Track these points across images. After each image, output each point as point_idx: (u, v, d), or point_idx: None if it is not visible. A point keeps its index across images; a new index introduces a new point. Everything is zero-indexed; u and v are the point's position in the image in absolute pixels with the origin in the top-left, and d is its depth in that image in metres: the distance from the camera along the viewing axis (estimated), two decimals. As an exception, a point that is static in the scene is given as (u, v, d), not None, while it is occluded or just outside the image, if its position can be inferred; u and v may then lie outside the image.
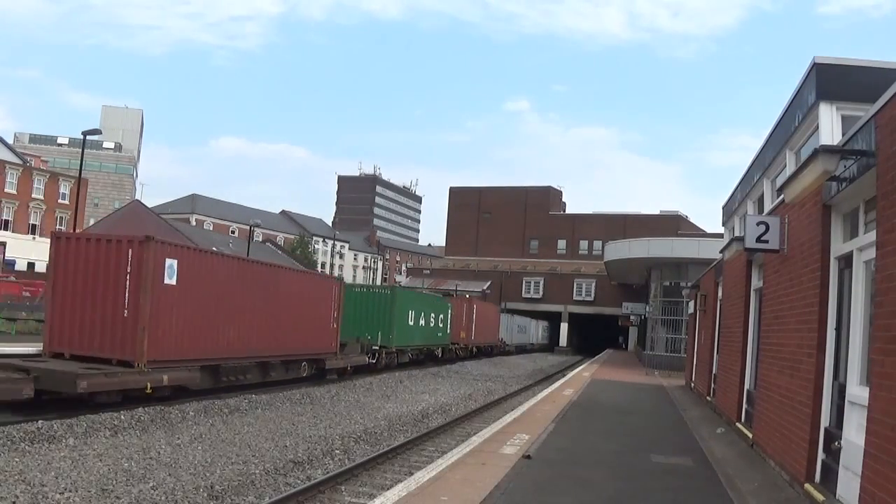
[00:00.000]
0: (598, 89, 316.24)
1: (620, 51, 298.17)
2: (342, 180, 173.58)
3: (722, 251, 14.25)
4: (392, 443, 12.36)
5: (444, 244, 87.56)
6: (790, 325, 8.59)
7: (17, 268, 54.33)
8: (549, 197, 79.94)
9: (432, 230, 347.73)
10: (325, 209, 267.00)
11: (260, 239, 79.42)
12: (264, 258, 27.77)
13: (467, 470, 8.05)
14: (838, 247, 7.25)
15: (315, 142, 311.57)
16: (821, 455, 7.10)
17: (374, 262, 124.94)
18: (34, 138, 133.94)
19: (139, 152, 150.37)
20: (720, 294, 16.65)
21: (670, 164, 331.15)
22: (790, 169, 9.37)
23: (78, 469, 8.46)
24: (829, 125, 8.23)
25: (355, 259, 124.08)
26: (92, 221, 68.95)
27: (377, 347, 25.85)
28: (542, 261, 73.19)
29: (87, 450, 9.55)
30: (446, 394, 21.26)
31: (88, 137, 27.06)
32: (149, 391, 13.26)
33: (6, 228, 60.43)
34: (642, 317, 44.29)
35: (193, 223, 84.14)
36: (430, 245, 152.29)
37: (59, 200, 64.83)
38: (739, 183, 14.73)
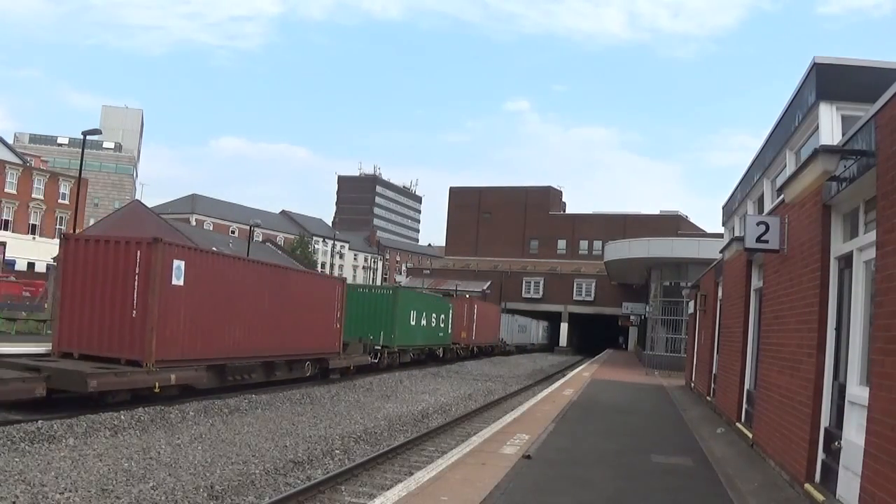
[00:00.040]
0: (598, 89, 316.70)
1: (620, 51, 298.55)
2: (342, 180, 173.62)
3: (722, 251, 14.25)
4: (392, 443, 12.35)
5: (444, 244, 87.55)
6: (790, 325, 8.59)
7: (17, 268, 54.35)
8: (549, 197, 79.93)
9: (432, 230, 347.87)
10: (325, 209, 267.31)
11: (260, 239, 79.38)
12: (264, 258, 27.82)
13: (467, 470, 8.05)
14: (838, 247, 7.25)
15: (315, 142, 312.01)
16: (821, 455, 7.10)
17: (374, 262, 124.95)
18: (34, 138, 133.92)
19: (139, 152, 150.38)
20: (720, 294, 16.65)
21: (670, 164, 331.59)
22: (790, 169, 9.37)
23: (78, 469, 8.47)
24: (829, 125, 8.23)
25: (355, 259, 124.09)
26: (92, 221, 68.85)
27: (379, 347, 25.97)
28: (542, 261, 73.18)
29: (87, 450, 9.55)
30: (446, 394, 21.26)
31: (88, 137, 27.07)
32: (157, 390, 13.48)
33: (6, 228, 60.46)
34: (642, 317, 44.28)
35: (193, 223, 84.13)
36: (430, 245, 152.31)
37: (59, 200, 64.87)
38: (739, 183, 14.73)
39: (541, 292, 67.67)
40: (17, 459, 8.64)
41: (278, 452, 10.61)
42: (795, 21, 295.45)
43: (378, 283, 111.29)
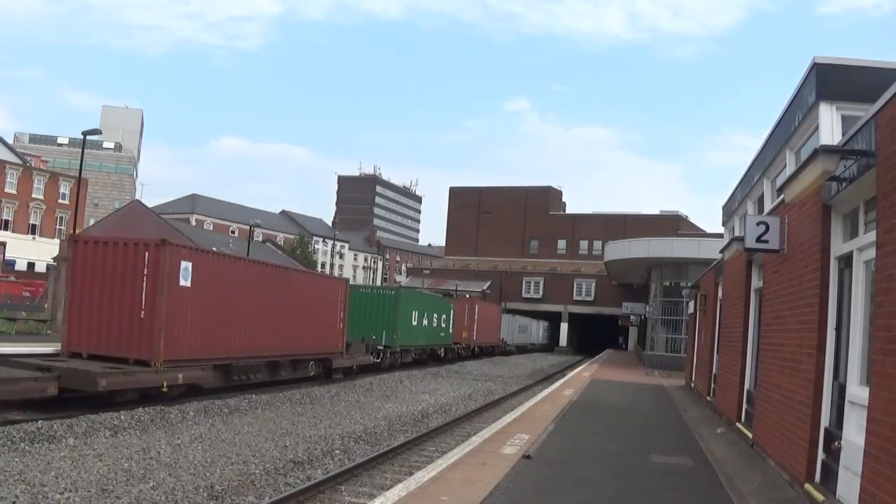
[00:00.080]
0: (598, 89, 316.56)
1: (620, 51, 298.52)
2: (342, 180, 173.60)
3: (722, 251, 14.25)
4: (392, 443, 12.36)
5: (444, 244, 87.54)
6: (790, 325, 8.59)
7: (17, 268, 54.37)
8: (549, 197, 79.92)
9: (432, 230, 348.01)
10: (325, 209, 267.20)
11: (260, 239, 79.36)
12: (264, 258, 27.88)
13: (467, 470, 8.05)
14: (838, 247, 7.25)
15: (315, 142, 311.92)
16: (821, 455, 7.10)
17: (374, 262, 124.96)
18: (34, 138, 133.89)
19: (139, 152, 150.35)
20: (720, 294, 16.65)
21: (670, 164, 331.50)
22: (790, 169, 9.37)
23: (78, 469, 8.47)
24: (829, 125, 8.23)
25: (355, 259, 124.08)
26: (92, 221, 68.84)
27: (382, 347, 26.08)
28: (542, 261, 73.17)
29: (87, 450, 9.55)
30: (446, 394, 21.26)
31: (88, 137, 27.07)
32: (165, 390, 13.65)
33: (6, 228, 60.44)
34: (642, 317, 44.26)
35: (193, 223, 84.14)
36: (430, 245, 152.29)
37: (59, 200, 64.86)
38: (739, 183, 14.73)
39: (541, 292, 67.68)
40: (17, 459, 8.64)
41: (278, 452, 10.61)
42: (795, 21, 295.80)
43: (378, 283, 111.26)
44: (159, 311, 13.62)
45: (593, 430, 12.05)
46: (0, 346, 14.91)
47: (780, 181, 9.67)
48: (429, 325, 31.86)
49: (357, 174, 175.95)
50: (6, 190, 60.96)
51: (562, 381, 24.12)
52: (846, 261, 6.97)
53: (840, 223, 7.30)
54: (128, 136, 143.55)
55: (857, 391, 6.23)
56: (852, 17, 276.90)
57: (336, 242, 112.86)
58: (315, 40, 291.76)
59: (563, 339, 66.97)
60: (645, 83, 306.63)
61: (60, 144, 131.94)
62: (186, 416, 12.86)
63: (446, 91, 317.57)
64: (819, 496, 6.71)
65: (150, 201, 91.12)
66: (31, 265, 58.05)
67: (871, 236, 5.96)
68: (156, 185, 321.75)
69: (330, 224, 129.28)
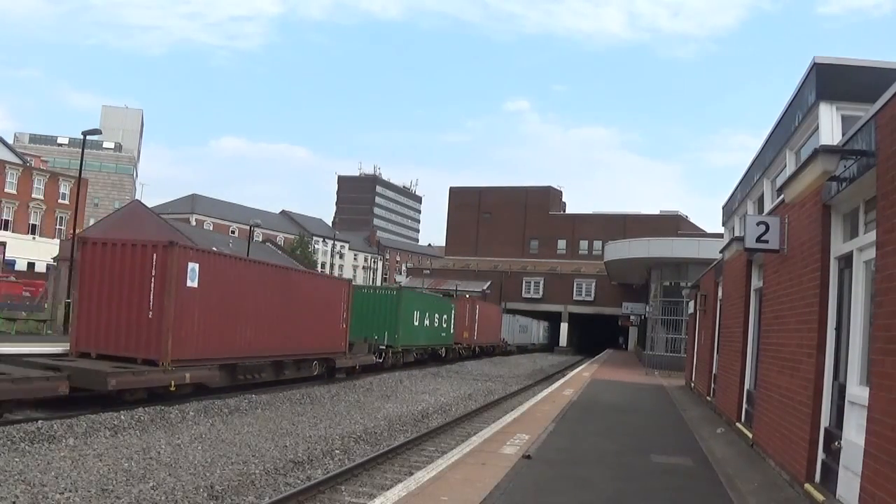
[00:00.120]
0: (598, 89, 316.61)
1: (620, 51, 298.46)
2: (342, 180, 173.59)
3: (722, 251, 14.25)
4: (392, 443, 12.36)
5: (444, 244, 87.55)
6: (790, 325, 8.59)
7: (17, 268, 54.40)
8: (549, 197, 79.93)
9: (432, 230, 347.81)
10: (325, 209, 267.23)
11: (260, 239, 79.35)
12: (264, 258, 27.92)
13: (467, 470, 8.05)
14: (838, 247, 7.25)
15: (315, 142, 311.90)
16: (821, 455, 7.10)
17: (374, 262, 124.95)
18: (34, 138, 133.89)
19: (139, 152, 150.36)
20: (720, 294, 16.65)
21: (670, 164, 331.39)
22: (790, 169, 9.37)
23: (78, 469, 8.47)
24: (829, 125, 8.23)
25: (355, 259, 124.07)
26: (92, 221, 68.82)
27: (384, 347, 26.17)
28: (542, 261, 73.18)
29: (87, 450, 9.56)
30: (446, 394, 21.26)
31: (88, 137, 27.07)
32: (173, 389, 13.79)
33: (6, 228, 60.46)
34: (642, 317, 44.25)
35: (193, 223, 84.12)
36: (430, 245, 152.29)
37: (59, 200, 64.88)
38: (739, 183, 14.73)
39: (541, 292, 67.69)
40: (17, 459, 8.65)
41: (278, 452, 10.61)
42: (795, 21, 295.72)
43: (378, 283, 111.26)
44: (167, 311, 13.78)
45: (593, 430, 12.05)
46: (0, 346, 14.91)
47: (780, 181, 9.67)
48: (430, 325, 31.92)
49: (357, 174, 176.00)
50: (6, 190, 60.99)
51: (562, 381, 24.12)
52: (846, 261, 6.97)
53: (840, 223, 7.30)
54: (128, 136, 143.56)
55: (857, 391, 6.23)
56: (852, 17, 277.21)
57: (336, 242, 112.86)
58: (315, 40, 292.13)
59: (564, 339, 66.98)
60: (645, 83, 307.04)
61: (60, 144, 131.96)
62: (186, 416, 12.86)
63: (446, 91, 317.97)
64: (819, 496, 6.71)
65: (150, 201, 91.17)
66: (31, 265, 58.08)
67: (871, 236, 5.96)
68: (156, 185, 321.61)
69: (330, 224, 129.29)
